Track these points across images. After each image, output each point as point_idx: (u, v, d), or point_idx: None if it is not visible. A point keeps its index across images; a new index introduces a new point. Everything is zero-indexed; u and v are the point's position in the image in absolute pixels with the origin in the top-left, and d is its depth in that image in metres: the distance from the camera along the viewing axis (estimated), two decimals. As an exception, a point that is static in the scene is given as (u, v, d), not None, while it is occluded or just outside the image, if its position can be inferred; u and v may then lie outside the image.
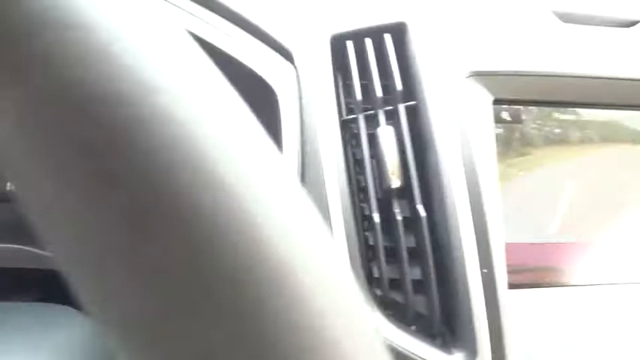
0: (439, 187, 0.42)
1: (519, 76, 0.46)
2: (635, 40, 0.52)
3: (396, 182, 0.42)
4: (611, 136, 0.50)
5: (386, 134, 0.43)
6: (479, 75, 0.45)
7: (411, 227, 0.42)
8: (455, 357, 0.40)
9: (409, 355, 0.40)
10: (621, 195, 0.49)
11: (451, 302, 0.41)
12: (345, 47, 0.48)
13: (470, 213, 0.40)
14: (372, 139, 0.44)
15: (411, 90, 0.45)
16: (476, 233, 0.40)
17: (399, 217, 0.42)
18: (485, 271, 0.39)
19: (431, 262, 0.41)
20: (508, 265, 0.44)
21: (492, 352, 0.39)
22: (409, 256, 0.42)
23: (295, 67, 0.47)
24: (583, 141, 0.49)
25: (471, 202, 0.41)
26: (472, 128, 0.44)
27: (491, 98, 0.46)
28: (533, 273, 0.45)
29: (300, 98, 0.46)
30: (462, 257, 0.40)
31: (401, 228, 0.42)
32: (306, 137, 0.45)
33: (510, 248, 0.45)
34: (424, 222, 0.41)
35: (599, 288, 0.46)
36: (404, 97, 0.45)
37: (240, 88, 0.49)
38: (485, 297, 0.39)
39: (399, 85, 0.45)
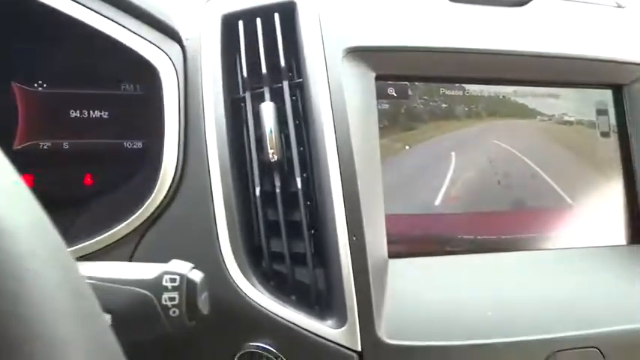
0: (317, 161, 0.43)
1: (401, 51, 0.47)
2: (526, 18, 0.53)
3: (273, 157, 0.43)
4: (498, 110, 0.51)
5: (267, 110, 0.44)
6: (358, 51, 0.46)
7: (294, 200, 0.43)
8: (326, 323, 0.41)
9: (286, 324, 0.41)
10: (506, 167, 0.50)
11: (326, 272, 0.42)
12: (237, 26, 0.49)
13: (340, 186, 0.41)
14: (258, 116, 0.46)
15: (298, 68, 0.47)
16: (346, 205, 0.41)
17: (277, 191, 0.43)
18: (354, 238, 0.40)
19: (306, 234, 0.42)
20: (391, 235, 0.46)
21: (360, 318, 0.40)
22: (292, 228, 0.43)
23: (183, 47, 0.48)
24: (469, 115, 0.51)
25: (342, 176, 0.42)
26: (354, 104, 0.45)
27: (373, 74, 0.47)
28: (416, 243, 0.47)
29: (186, 77, 0.47)
30: (334, 228, 0.41)
31: (279, 201, 0.43)
32: (190, 114, 0.46)
33: (393, 219, 0.46)
34: (300, 195, 0.42)
35: (482, 256, 0.48)
36: (291, 75, 0.47)
37: (126, 70, 0.50)
38: (353, 265, 0.40)
39: (282, 63, 0.46)
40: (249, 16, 0.49)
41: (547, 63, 0.52)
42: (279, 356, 0.41)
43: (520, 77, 0.52)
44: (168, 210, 0.44)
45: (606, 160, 0.53)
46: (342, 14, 0.48)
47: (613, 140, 0.54)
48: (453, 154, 0.49)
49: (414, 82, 0.49)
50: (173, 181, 0.44)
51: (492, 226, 0.49)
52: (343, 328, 0.40)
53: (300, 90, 0.46)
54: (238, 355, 0.43)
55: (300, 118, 0.45)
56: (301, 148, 0.44)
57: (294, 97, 0.46)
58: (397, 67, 0.48)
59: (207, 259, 0.42)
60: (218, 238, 0.42)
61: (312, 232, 0.42)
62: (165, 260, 0.43)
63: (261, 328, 0.42)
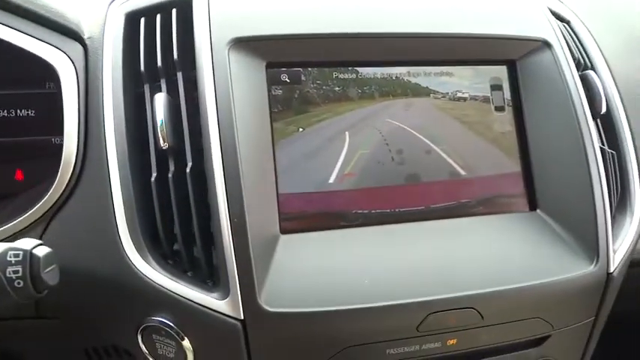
0: (205, 147, 0.46)
1: (290, 39, 0.50)
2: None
3: (164, 145, 0.46)
4: (391, 91, 0.54)
5: (159, 101, 0.47)
6: (245, 41, 0.48)
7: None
8: (213, 296, 0.44)
9: (180, 298, 0.45)
10: (399, 144, 0.53)
11: (215, 249, 0.45)
12: (139, 23, 0.52)
13: (222, 172, 0.45)
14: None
15: (193, 60, 0.49)
16: (228, 189, 0.44)
17: (170, 176, 0.46)
18: (235, 220, 0.44)
19: (195, 216, 0.45)
20: (285, 213, 0.49)
21: (241, 289, 0.43)
22: (185, 210, 0.46)
23: (85, 45, 0.51)
24: (363, 97, 0.53)
25: (225, 162, 0.45)
26: (242, 92, 0.48)
27: (264, 63, 0.50)
28: (310, 219, 0.50)
29: (87, 74, 0.50)
30: (217, 211, 0.44)
31: (171, 186, 0.46)
32: (91, 109, 0.49)
33: (287, 197, 0.49)
34: (189, 180, 0.46)
35: (376, 228, 0.51)
36: (185, 67, 0.49)
37: (35, 71, 0.53)
38: (234, 243, 0.43)
39: (175, 56, 0.49)
40: (150, 12, 0.52)
41: (439, 43, 0.55)
42: (173, 328, 0.45)
43: (413, 58, 0.54)
44: (70, 200, 0.47)
45: (502, 134, 0.56)
46: (231, 5, 0.50)
47: (508, 114, 0.57)
48: (346, 133, 0.52)
49: (307, 68, 0.52)
50: (73, 172, 0.47)
51: (387, 200, 0.52)
52: (227, 299, 0.44)
53: (194, 81, 0.49)
54: (141, 327, 0.47)
55: (194, 108, 0.48)
56: (194, 137, 0.48)
57: (188, 89, 0.49)
58: (288, 54, 0.51)
59: (107, 243, 0.46)
60: (116, 224, 0.46)
61: (203, 214, 0.46)
62: (71, 247, 0.47)
63: (158, 303, 0.45)
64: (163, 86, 0.49)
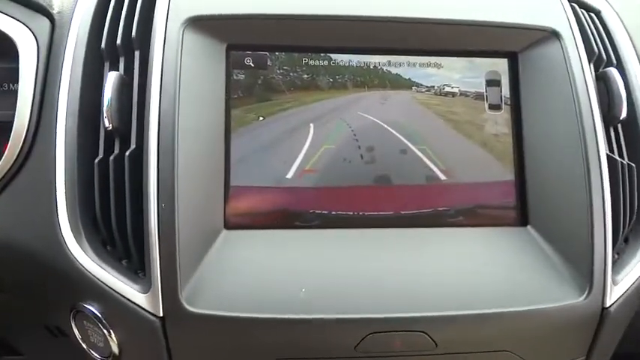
0: (145, 130, 0.43)
1: (253, 19, 0.46)
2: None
3: (109, 125, 0.44)
4: (366, 81, 0.49)
5: (110, 80, 0.45)
6: (203, 20, 0.45)
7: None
8: (136, 288, 0.42)
9: (106, 288, 0.43)
10: (371, 141, 0.48)
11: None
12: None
13: (156, 156, 0.42)
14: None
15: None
16: (160, 175, 0.42)
17: (111, 158, 0.44)
18: (163, 206, 0.41)
19: (128, 201, 0.43)
20: (233, 207, 0.45)
21: (163, 284, 0.40)
22: (121, 195, 0.44)
23: (53, 20, 0.50)
24: (334, 86, 0.48)
25: (160, 146, 0.42)
26: (195, 75, 0.45)
27: (224, 45, 0.47)
28: (260, 215, 0.46)
29: (50, 49, 0.49)
30: (147, 195, 0.41)
31: (110, 166, 0.44)
32: (48, 86, 0.48)
33: (238, 191, 0.46)
34: (126, 164, 0.43)
35: (333, 232, 0.46)
36: (143, 47, 0.47)
37: None
38: (160, 232, 0.41)
39: (133, 34, 0.47)
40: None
41: (429, 30, 0.48)
42: (99, 317, 0.43)
43: (396, 46, 0.49)
44: (17, 176, 0.46)
45: (494, 136, 0.49)
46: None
47: (504, 114, 0.50)
48: (311, 125, 0.48)
49: (274, 52, 0.48)
50: (21, 151, 0.46)
51: (350, 202, 0.47)
52: (147, 293, 0.41)
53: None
54: (72, 312, 0.45)
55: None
56: (140, 120, 0.45)
57: (142, 69, 0.46)
58: (252, 36, 0.47)
59: (45, 223, 0.45)
60: (57, 205, 0.44)
61: (137, 199, 0.43)
62: (14, 224, 0.46)
63: (88, 290, 0.44)
64: (121, 65, 0.48)
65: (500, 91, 0.50)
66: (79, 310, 0.44)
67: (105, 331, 0.44)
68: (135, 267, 0.44)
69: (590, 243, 0.44)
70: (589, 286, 0.44)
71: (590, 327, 0.45)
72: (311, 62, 0.48)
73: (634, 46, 0.55)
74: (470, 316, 0.42)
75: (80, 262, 0.43)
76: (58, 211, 0.44)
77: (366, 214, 0.47)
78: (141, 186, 0.43)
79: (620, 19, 0.56)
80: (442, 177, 0.48)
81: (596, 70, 0.51)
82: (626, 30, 0.56)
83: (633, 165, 0.49)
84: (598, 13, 0.56)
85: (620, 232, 0.47)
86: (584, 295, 0.44)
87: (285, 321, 0.40)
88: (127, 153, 0.44)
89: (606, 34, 0.54)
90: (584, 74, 0.47)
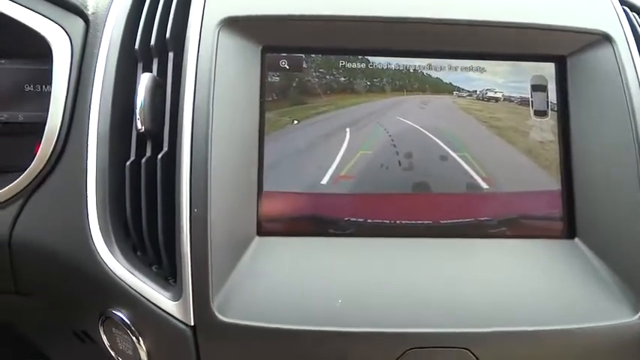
0: (178, 133, 0.42)
1: (290, 21, 0.45)
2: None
3: (142, 128, 0.43)
4: (406, 85, 0.47)
5: (143, 81, 0.44)
6: (238, 21, 0.44)
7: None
8: (166, 295, 0.40)
9: (136, 295, 0.42)
10: (410, 146, 0.46)
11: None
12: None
13: (189, 159, 0.41)
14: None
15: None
16: (193, 178, 0.40)
17: (142, 161, 0.43)
18: (195, 211, 0.40)
19: (160, 205, 0.42)
20: (266, 213, 0.44)
21: (195, 292, 0.39)
22: (153, 200, 0.43)
23: (87, 20, 0.49)
24: (371, 90, 0.47)
25: (193, 149, 0.41)
26: (230, 77, 0.43)
27: (260, 46, 0.45)
28: (294, 222, 0.44)
29: (84, 50, 0.48)
30: (180, 200, 0.40)
31: (143, 172, 0.43)
32: (82, 87, 0.47)
33: (271, 196, 0.44)
34: (159, 167, 0.42)
35: (370, 240, 0.44)
36: (177, 48, 0.46)
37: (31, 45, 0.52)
38: (192, 238, 0.39)
39: (167, 35, 0.46)
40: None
41: (472, 32, 0.46)
42: (128, 324, 0.42)
43: (437, 49, 0.47)
44: (47, 180, 0.46)
45: (540, 143, 0.47)
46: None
47: (550, 121, 0.47)
48: (347, 130, 0.46)
49: (310, 55, 0.47)
50: (53, 152, 0.46)
51: (387, 210, 0.45)
52: (179, 301, 0.40)
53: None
54: (101, 318, 0.44)
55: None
56: (174, 122, 0.44)
57: (177, 71, 0.45)
58: (288, 38, 0.46)
59: (75, 227, 0.44)
60: (87, 208, 0.44)
61: (170, 204, 0.42)
62: (43, 227, 0.46)
63: (117, 296, 0.42)
64: (154, 67, 0.47)
65: (547, 97, 0.47)
66: (108, 316, 0.43)
67: (134, 339, 0.42)
68: (165, 273, 0.42)
69: (644, 258, 0.41)
70: (643, 304, 0.41)
71: (643, 348, 0.42)
72: (348, 65, 0.47)
73: (690, 51, 0.52)
74: (515, 334, 0.39)
75: (110, 267, 0.42)
76: (89, 215, 0.43)
77: (403, 222, 0.45)
78: (173, 190, 0.42)
79: (675, 22, 0.54)
80: (484, 185, 0.46)
81: (650, 75, 0.48)
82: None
83: (689, 178, 0.46)
84: (650, 16, 0.53)
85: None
86: (639, 315, 0.41)
87: (320, 334, 0.38)
88: (160, 156, 0.43)
89: (660, 38, 0.51)
90: (638, 80, 0.44)
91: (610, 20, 0.46)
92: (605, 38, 0.46)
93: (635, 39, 0.46)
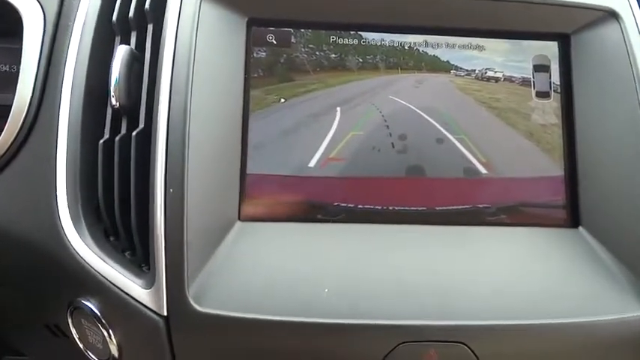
0: (154, 109, 0.39)
1: (276, -9, 0.42)
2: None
3: (116, 103, 0.40)
4: (400, 62, 0.44)
5: (119, 54, 0.41)
6: (222, -10, 0.41)
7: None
8: (138, 283, 0.37)
9: (106, 282, 0.38)
10: (404, 128, 0.43)
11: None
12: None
13: (165, 137, 0.38)
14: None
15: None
16: (169, 157, 0.37)
17: (116, 139, 0.40)
18: (171, 191, 0.36)
19: (133, 183, 0.39)
20: (249, 196, 0.41)
21: (169, 279, 0.36)
22: (126, 180, 0.40)
23: (60, -9, 0.46)
24: (364, 67, 0.44)
25: (170, 126, 0.38)
26: (211, 51, 0.40)
27: (245, 19, 0.43)
28: (280, 207, 0.41)
29: (58, 23, 0.45)
30: (154, 179, 0.37)
31: (116, 147, 0.40)
32: (54, 62, 0.44)
33: (255, 179, 0.41)
34: (132, 141, 0.39)
35: (360, 227, 0.41)
36: (157, 20, 0.43)
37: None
38: (167, 221, 0.36)
39: (147, 5, 0.43)
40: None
41: (470, 6, 0.43)
42: (97, 315, 0.39)
43: (434, 24, 0.44)
44: (14, 160, 0.43)
45: (542, 126, 0.44)
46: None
47: (553, 102, 0.44)
48: (338, 110, 0.43)
49: (299, 29, 0.44)
50: (21, 129, 0.42)
51: (379, 195, 0.42)
52: (151, 289, 0.36)
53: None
54: (69, 308, 0.41)
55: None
56: (151, 98, 0.41)
57: (155, 44, 0.42)
58: (276, 10, 0.43)
59: (43, 209, 0.41)
60: (56, 192, 0.40)
61: (143, 184, 0.39)
62: (11, 209, 0.42)
63: (87, 284, 0.39)
64: (133, 40, 0.44)
65: (550, 77, 0.45)
66: (77, 306, 0.40)
67: (104, 331, 0.39)
68: (139, 260, 0.39)
69: (654, 248, 0.39)
70: (652, 297, 0.38)
71: (652, 344, 0.39)
72: (339, 41, 0.44)
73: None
74: (515, 327, 0.37)
75: (79, 252, 0.39)
76: (58, 197, 0.40)
77: (396, 208, 0.42)
78: (148, 170, 0.39)
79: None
80: (482, 170, 0.43)
81: (657, 56, 0.46)
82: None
83: (700, 163, 0.44)
84: (657, -4, 0.50)
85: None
86: (647, 308, 0.38)
87: (304, 325, 0.35)
88: (134, 133, 0.39)
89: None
90: (647, 59, 0.42)
91: (617, -4, 0.44)
92: (612, 15, 0.43)
93: (642, 17, 0.44)
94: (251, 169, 0.42)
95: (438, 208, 0.42)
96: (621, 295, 0.39)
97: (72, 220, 0.40)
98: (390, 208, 0.42)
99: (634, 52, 0.42)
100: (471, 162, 0.43)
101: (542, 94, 0.45)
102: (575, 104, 0.44)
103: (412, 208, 0.42)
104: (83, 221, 0.40)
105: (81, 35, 0.44)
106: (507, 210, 0.43)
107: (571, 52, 0.44)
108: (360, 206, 0.42)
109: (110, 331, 0.39)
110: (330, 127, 0.43)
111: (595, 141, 0.43)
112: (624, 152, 0.41)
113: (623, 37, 0.43)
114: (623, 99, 0.42)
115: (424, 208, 0.42)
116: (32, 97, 0.43)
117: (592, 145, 0.43)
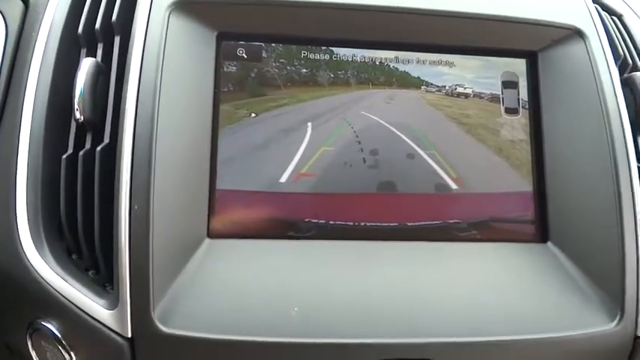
0: (120, 123, 0.38)
1: (247, 5, 0.41)
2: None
3: (80, 117, 0.39)
4: (371, 78, 0.44)
5: (84, 67, 0.40)
6: (190, 4, 0.41)
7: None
8: (101, 303, 0.36)
9: (67, 303, 0.37)
10: (375, 143, 0.43)
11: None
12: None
13: (130, 152, 0.37)
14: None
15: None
16: (134, 172, 0.36)
17: (80, 154, 0.39)
18: (136, 208, 0.35)
19: (96, 202, 0.38)
20: (218, 213, 0.40)
21: (133, 299, 0.35)
22: (90, 197, 0.39)
23: (26, 2, 0.45)
24: (335, 83, 0.44)
25: (135, 142, 0.37)
26: (180, 65, 0.40)
27: (215, 33, 0.42)
28: (249, 224, 0.41)
29: (20, 34, 0.44)
30: (118, 193, 0.36)
31: (79, 163, 0.39)
32: (16, 74, 0.43)
33: (225, 195, 0.41)
34: (97, 157, 0.38)
35: (332, 244, 0.41)
36: (124, 32, 0.42)
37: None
38: (132, 239, 0.35)
39: (114, 18, 0.42)
40: (105, -29, 0.46)
41: (441, 23, 0.44)
42: (58, 338, 0.37)
43: (405, 40, 0.44)
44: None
45: (511, 142, 0.44)
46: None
47: (521, 118, 0.45)
48: (309, 125, 0.43)
49: (269, 43, 0.43)
50: (-19, 142, 0.41)
51: (350, 211, 0.42)
52: (114, 310, 0.35)
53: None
54: (29, 330, 0.39)
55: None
56: (117, 112, 0.40)
57: (122, 57, 0.41)
58: (246, 24, 0.42)
59: (2, 228, 0.39)
60: (15, 207, 0.39)
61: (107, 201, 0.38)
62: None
63: (47, 305, 0.38)
64: (99, 52, 0.43)
65: (518, 94, 0.45)
66: (37, 328, 0.38)
67: (65, 354, 0.38)
68: (103, 280, 0.38)
69: (621, 262, 0.39)
70: (620, 311, 0.39)
71: (621, 358, 0.40)
72: (310, 55, 0.44)
73: (659, 51, 0.51)
74: (484, 344, 0.36)
75: (39, 271, 0.37)
76: (17, 214, 0.39)
77: (367, 224, 0.42)
78: (112, 186, 0.38)
79: (643, 23, 0.53)
80: (453, 186, 0.43)
81: (621, 74, 0.47)
82: (650, 34, 0.52)
83: (663, 177, 0.45)
84: (620, 17, 0.52)
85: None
86: (615, 322, 0.39)
87: (273, 345, 0.34)
88: (99, 148, 0.38)
89: (630, 39, 0.50)
90: (611, 77, 0.43)
91: (582, 15, 0.45)
92: (577, 33, 0.44)
93: (610, 37, 0.45)
94: (220, 184, 0.41)
95: (409, 224, 0.42)
96: (589, 309, 0.39)
97: (32, 237, 0.38)
98: (362, 224, 0.42)
99: (598, 69, 0.43)
100: (441, 177, 0.43)
101: (511, 111, 0.45)
102: (543, 121, 0.44)
103: (384, 224, 0.42)
104: (44, 239, 0.39)
105: (45, 46, 0.43)
106: (477, 225, 0.43)
107: (539, 69, 0.45)
108: (331, 222, 0.42)
109: (72, 354, 0.37)
110: (301, 143, 0.42)
111: (562, 157, 0.43)
112: (590, 168, 0.42)
113: (588, 54, 0.44)
114: (588, 115, 0.43)
115: (396, 224, 0.42)
116: (-7, 109, 0.41)
117: (560, 161, 0.43)
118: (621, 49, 0.47)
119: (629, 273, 0.39)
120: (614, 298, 0.39)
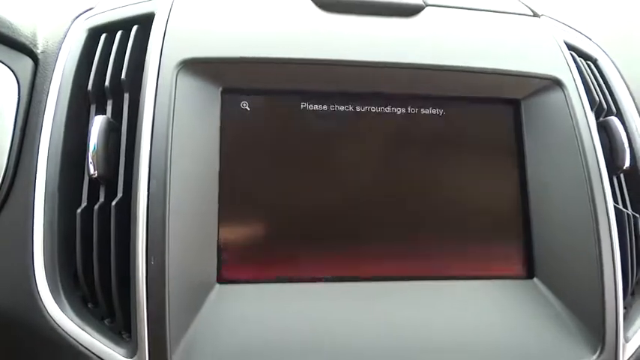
0: (134, 178, 0.40)
1: (249, 63, 0.44)
2: (417, 29, 0.49)
3: (95, 173, 0.41)
4: (367, 129, 0.47)
5: (97, 124, 0.42)
6: (197, 63, 0.43)
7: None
8: (120, 352, 0.38)
9: (84, 351, 0.39)
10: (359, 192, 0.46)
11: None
12: (99, 40, 0.48)
13: (146, 206, 0.39)
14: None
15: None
16: (149, 226, 0.39)
17: (95, 208, 0.41)
18: (152, 262, 0.38)
19: (113, 254, 0.40)
20: (228, 259, 0.42)
21: (151, 348, 0.37)
22: (106, 249, 0.41)
23: (36, 59, 0.47)
24: (333, 132, 0.47)
25: (150, 196, 0.39)
26: (188, 119, 0.42)
27: (219, 88, 0.45)
28: (260, 268, 0.43)
29: (32, 91, 0.46)
30: (135, 250, 0.38)
31: (95, 219, 0.41)
32: (29, 129, 0.45)
33: (235, 242, 0.43)
34: (113, 214, 0.41)
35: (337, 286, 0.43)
36: (133, 89, 0.45)
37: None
38: (148, 290, 0.37)
39: (123, 76, 0.45)
40: (112, 28, 0.48)
41: (432, 76, 0.47)
42: (76, 385, 0.39)
43: (395, 92, 0.47)
44: (-7, 226, 0.43)
45: (497, 185, 0.48)
46: (191, 23, 0.45)
47: (508, 162, 0.48)
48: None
49: (270, 96, 0.46)
50: (-3, 196, 0.43)
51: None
52: (134, 358, 0.37)
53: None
54: (45, 380, 0.41)
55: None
56: (130, 167, 0.42)
57: (133, 113, 0.44)
58: (248, 79, 0.45)
59: (20, 280, 0.41)
60: (33, 259, 0.41)
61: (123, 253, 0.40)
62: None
63: (65, 354, 0.40)
64: (109, 109, 0.45)
65: (506, 140, 0.48)
66: (53, 375, 0.40)
67: (83, 403, 0.40)
68: (119, 327, 0.40)
69: (601, 297, 0.42)
70: (601, 343, 0.42)
71: (602, 388, 0.43)
72: (309, 107, 0.46)
73: (631, 95, 0.55)
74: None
75: (57, 321, 0.39)
76: (35, 265, 0.41)
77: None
78: (127, 238, 0.40)
79: (616, 68, 0.56)
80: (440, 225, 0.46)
81: (597, 118, 0.50)
82: (622, 78, 0.56)
83: (638, 215, 0.48)
84: (595, 62, 0.56)
85: (629, 285, 0.46)
86: (597, 354, 0.42)
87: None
88: (114, 202, 0.41)
89: (604, 83, 0.54)
90: (588, 123, 0.46)
91: (559, 65, 0.48)
92: (556, 83, 0.48)
93: (582, 83, 0.49)
94: (228, 233, 0.43)
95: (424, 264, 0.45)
96: (572, 342, 0.42)
97: (49, 288, 0.40)
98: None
99: (576, 117, 0.47)
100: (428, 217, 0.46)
101: (498, 155, 0.48)
102: (527, 164, 0.48)
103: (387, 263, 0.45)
104: (61, 289, 0.41)
105: (56, 104, 0.45)
106: (465, 264, 0.46)
107: (522, 116, 0.48)
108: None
109: (91, 404, 0.39)
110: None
111: (546, 198, 0.46)
112: (571, 208, 0.45)
113: (567, 101, 0.47)
114: (568, 158, 0.46)
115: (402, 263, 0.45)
116: (7, 165, 0.43)
117: (543, 202, 0.46)
118: (597, 94, 0.51)
119: (609, 306, 0.42)
120: (595, 331, 0.42)
